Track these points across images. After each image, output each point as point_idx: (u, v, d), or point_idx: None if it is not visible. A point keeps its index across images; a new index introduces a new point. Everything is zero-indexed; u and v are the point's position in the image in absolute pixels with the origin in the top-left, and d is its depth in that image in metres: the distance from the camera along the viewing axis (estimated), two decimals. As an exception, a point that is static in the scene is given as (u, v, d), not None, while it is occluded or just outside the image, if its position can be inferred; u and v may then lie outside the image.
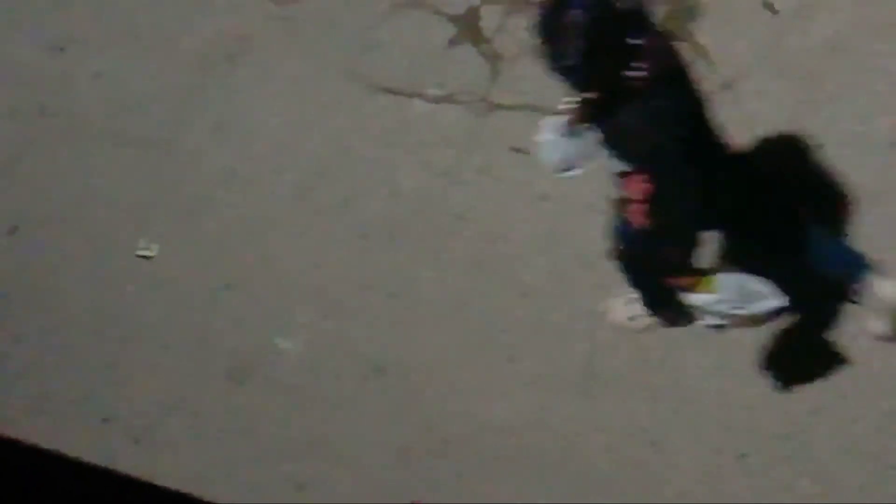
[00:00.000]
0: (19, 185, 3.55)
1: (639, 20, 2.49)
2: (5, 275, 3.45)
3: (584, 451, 3.04)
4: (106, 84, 3.54)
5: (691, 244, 2.64)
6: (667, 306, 2.87)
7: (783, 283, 2.68)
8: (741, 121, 3.25)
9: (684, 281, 2.65)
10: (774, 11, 3.38)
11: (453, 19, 3.57)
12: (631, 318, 3.08)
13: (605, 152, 2.58)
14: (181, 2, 3.65)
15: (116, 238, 3.45)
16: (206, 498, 3.20)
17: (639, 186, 2.51)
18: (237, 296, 3.33)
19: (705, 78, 3.24)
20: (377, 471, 3.13)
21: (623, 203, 2.61)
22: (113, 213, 3.48)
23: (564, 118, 2.62)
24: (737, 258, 2.92)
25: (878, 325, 2.93)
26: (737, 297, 2.67)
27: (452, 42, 3.54)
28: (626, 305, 3.07)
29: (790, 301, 2.69)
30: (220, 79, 3.54)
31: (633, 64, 2.45)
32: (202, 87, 3.52)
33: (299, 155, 3.43)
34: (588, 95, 2.50)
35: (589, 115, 2.55)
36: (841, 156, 3.18)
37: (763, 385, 2.98)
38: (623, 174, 2.55)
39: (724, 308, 2.66)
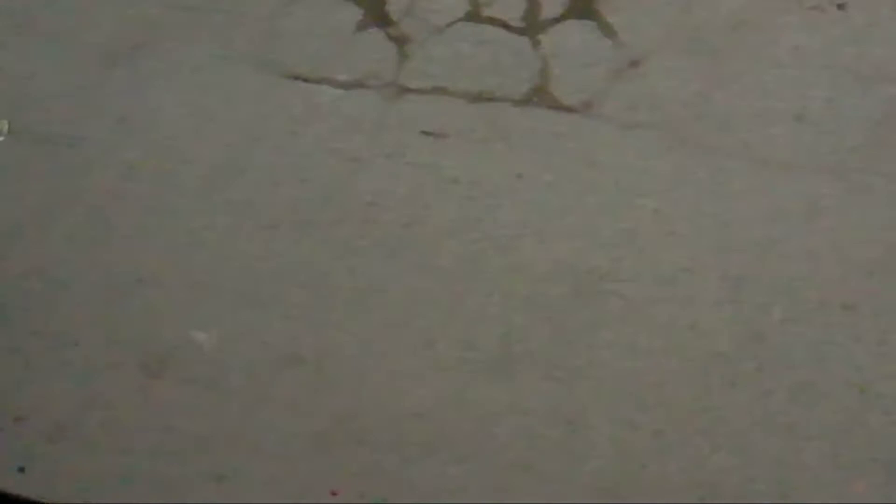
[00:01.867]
0: (-81, 183, 3.51)
1: None
2: None
3: (502, 433, 3.04)
4: (6, 80, 3.50)
5: None
6: None
7: None
8: (649, 97, 3.28)
9: None
10: (680, -11, 3.40)
11: (360, 3, 3.55)
12: None
13: None
14: (80, -6, 3.62)
15: (22, 237, 3.41)
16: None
17: None
18: (149, 290, 3.29)
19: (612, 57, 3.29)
20: (295, 460, 3.11)
21: None
22: (17, 212, 3.44)
23: None
24: None
25: None
26: None
27: (360, 26, 3.52)
28: None
29: None
30: (123, 71, 3.50)
31: None
32: (105, 80, 3.48)
33: (206, 146, 3.40)
34: None
35: None
36: (748, 129, 3.21)
37: (676, 362, 3.01)
38: None
39: None
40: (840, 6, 3.29)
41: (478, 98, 3.35)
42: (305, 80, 3.45)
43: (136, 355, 3.26)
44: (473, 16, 3.46)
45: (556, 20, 3.41)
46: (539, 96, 3.32)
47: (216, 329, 3.26)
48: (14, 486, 3.18)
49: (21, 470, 3.19)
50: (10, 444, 3.20)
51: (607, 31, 3.36)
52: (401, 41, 3.48)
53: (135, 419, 3.24)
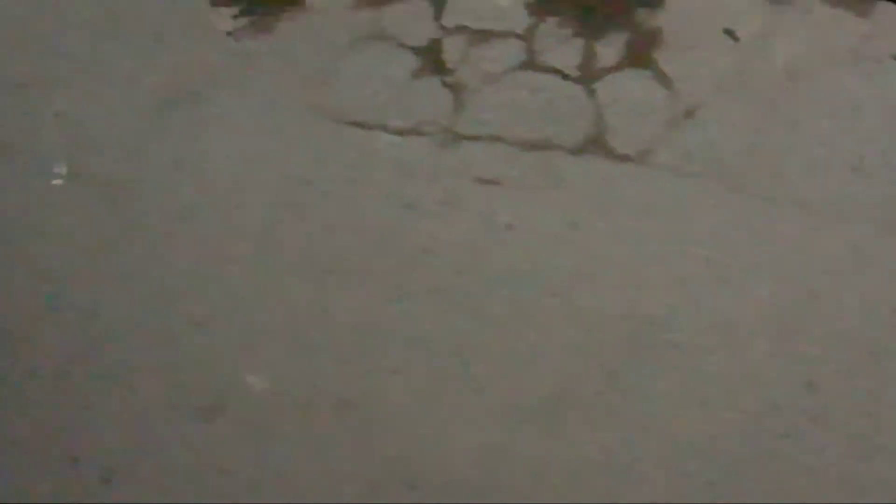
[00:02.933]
0: (-21, 225, 3.54)
1: None
2: (-32, 317, 3.44)
3: (553, 480, 3.03)
4: (66, 123, 3.53)
5: None
6: None
7: None
8: (704, 146, 3.28)
9: None
10: (735, 39, 3.41)
11: (416, 51, 3.57)
12: None
13: None
14: (141, 40, 3.64)
15: (79, 279, 3.43)
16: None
17: None
18: (203, 333, 3.30)
19: (668, 106, 3.30)
20: (346, 506, 3.12)
21: None
22: (75, 254, 3.46)
23: None
24: None
25: None
26: None
27: (416, 74, 3.54)
28: None
29: None
30: (180, 115, 3.53)
31: None
32: (162, 123, 3.51)
33: (262, 190, 3.42)
34: None
35: None
36: (803, 179, 3.20)
37: (729, 412, 2.99)
38: None
39: None
40: (896, 57, 3.29)
41: (533, 146, 3.36)
42: (361, 127, 3.47)
43: (191, 398, 3.27)
44: (529, 64, 3.48)
45: (612, 69, 3.42)
46: (594, 145, 3.32)
47: (269, 373, 3.27)
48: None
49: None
50: (65, 485, 3.22)
51: (663, 80, 3.37)
52: (456, 89, 3.50)
53: (189, 462, 3.25)
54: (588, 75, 3.41)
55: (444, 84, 3.50)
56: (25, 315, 3.42)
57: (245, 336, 3.30)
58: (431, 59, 3.54)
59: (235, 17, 3.69)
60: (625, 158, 3.30)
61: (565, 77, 3.43)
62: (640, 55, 3.41)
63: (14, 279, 3.45)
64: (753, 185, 3.24)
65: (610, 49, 3.44)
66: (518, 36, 3.53)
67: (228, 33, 3.65)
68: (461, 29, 3.56)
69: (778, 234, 3.18)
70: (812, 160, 3.22)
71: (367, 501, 3.12)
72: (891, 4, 3.44)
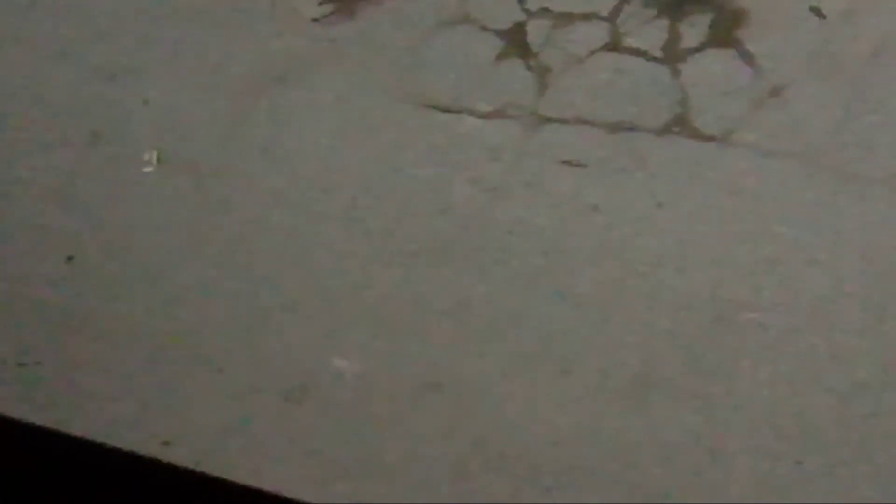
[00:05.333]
0: (73, 213, 3.57)
1: None
2: (63, 303, 3.48)
3: (640, 461, 3.03)
4: (154, 111, 3.56)
5: None
6: None
7: None
8: (790, 125, 3.25)
9: None
10: (822, 16, 3.37)
11: (500, 34, 3.57)
12: None
13: None
14: (227, 28, 3.67)
15: (169, 265, 3.47)
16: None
17: None
18: (292, 317, 3.34)
19: (753, 85, 3.27)
20: (433, 487, 3.13)
21: None
22: (166, 238, 3.50)
23: None
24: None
25: None
26: None
27: (500, 57, 3.54)
28: None
29: None
30: (267, 102, 3.56)
31: None
32: (250, 110, 3.54)
33: (348, 175, 3.44)
34: None
35: None
36: (891, 157, 3.17)
37: (817, 391, 2.97)
38: None
39: None
40: None
41: (618, 127, 3.35)
42: (446, 111, 3.48)
43: (279, 382, 3.31)
44: (613, 46, 3.46)
45: (696, 49, 3.40)
46: (679, 125, 3.31)
47: (357, 356, 3.30)
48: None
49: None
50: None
51: (748, 59, 3.34)
52: (541, 71, 3.49)
53: (277, 445, 3.29)
54: (672, 56, 3.39)
55: (529, 67, 3.50)
56: (119, 302, 3.48)
57: (332, 320, 3.33)
58: (515, 42, 3.54)
59: (321, 3, 3.71)
60: (710, 138, 3.28)
61: (649, 58, 3.41)
62: (724, 34, 3.38)
63: (108, 266, 3.51)
64: (841, 163, 3.21)
65: (694, 29, 3.41)
66: (602, 18, 3.51)
67: (314, 19, 3.67)
68: (545, 11, 3.55)
69: (867, 211, 3.15)
70: (901, 138, 3.18)
71: (455, 485, 3.14)
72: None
